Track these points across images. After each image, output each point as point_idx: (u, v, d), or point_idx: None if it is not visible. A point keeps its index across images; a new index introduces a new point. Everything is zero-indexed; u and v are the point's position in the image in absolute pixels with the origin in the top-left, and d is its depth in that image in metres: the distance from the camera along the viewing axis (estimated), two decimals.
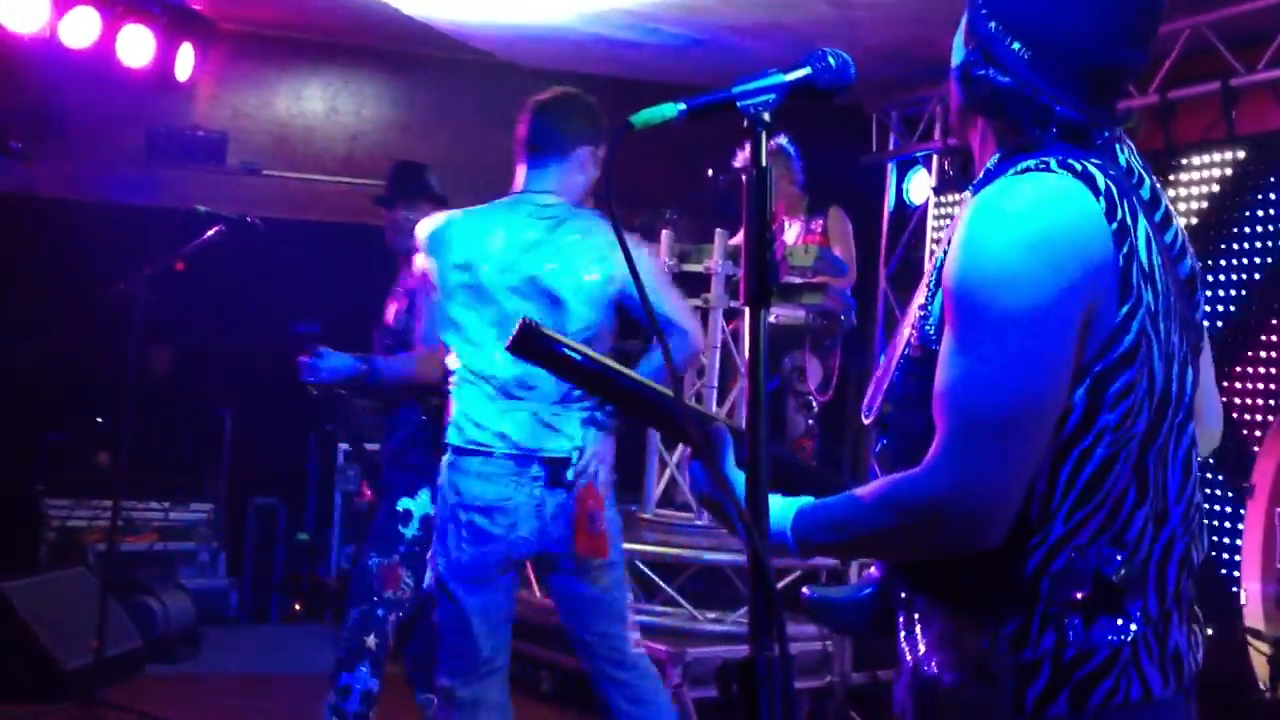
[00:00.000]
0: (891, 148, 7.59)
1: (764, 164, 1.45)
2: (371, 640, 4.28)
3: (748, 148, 1.49)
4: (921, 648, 1.63)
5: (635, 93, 7.71)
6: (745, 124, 1.50)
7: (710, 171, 5.77)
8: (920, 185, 7.48)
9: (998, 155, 1.63)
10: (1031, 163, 1.56)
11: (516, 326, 1.68)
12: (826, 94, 1.54)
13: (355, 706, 4.27)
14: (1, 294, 6.85)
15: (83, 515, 6.65)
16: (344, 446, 7.57)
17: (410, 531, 4.33)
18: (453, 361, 3.51)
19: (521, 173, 3.59)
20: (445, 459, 3.50)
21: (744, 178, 1.44)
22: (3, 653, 5.28)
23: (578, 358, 1.67)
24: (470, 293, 3.46)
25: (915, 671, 1.63)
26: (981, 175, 1.64)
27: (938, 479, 1.48)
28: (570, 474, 3.40)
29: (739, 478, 1.59)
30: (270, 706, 5.49)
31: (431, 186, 4.73)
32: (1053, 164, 1.54)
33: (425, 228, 3.62)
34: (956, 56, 1.67)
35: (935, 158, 7.21)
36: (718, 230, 5.50)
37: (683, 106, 1.50)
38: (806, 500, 1.60)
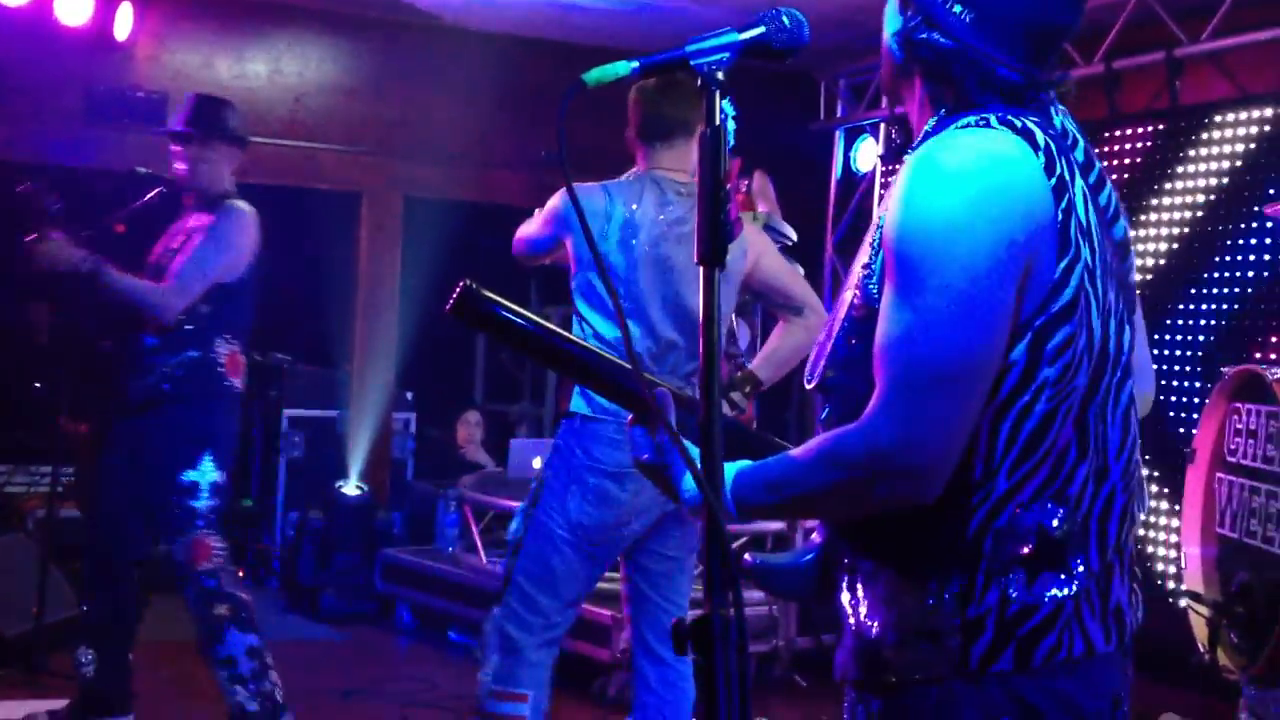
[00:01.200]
0: (839, 115, 7.61)
1: (717, 123, 1.44)
2: (223, 609, 4.24)
3: None
4: (864, 610, 1.63)
5: (583, 57, 7.69)
6: (699, 83, 1.49)
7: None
8: (867, 153, 7.51)
9: (935, 117, 1.64)
10: (971, 119, 1.57)
11: (457, 289, 1.62)
12: (780, 54, 1.53)
13: (248, 666, 4.23)
14: None
15: (21, 481, 6.57)
16: (289, 412, 7.52)
17: (203, 503, 4.27)
18: (580, 331, 3.51)
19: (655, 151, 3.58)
20: (568, 423, 3.50)
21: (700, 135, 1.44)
22: None
23: (521, 323, 1.63)
24: (609, 264, 3.46)
25: (857, 634, 1.64)
26: (920, 136, 1.65)
27: (878, 432, 1.48)
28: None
29: (688, 446, 1.59)
30: (208, 674, 5.45)
31: (230, 126, 4.52)
32: (992, 120, 1.56)
33: (576, 197, 3.52)
34: (892, 24, 1.68)
35: (883, 126, 7.23)
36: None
37: (635, 64, 1.49)
38: (744, 463, 1.59)
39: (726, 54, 1.50)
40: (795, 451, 1.57)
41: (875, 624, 1.61)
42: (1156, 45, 5.88)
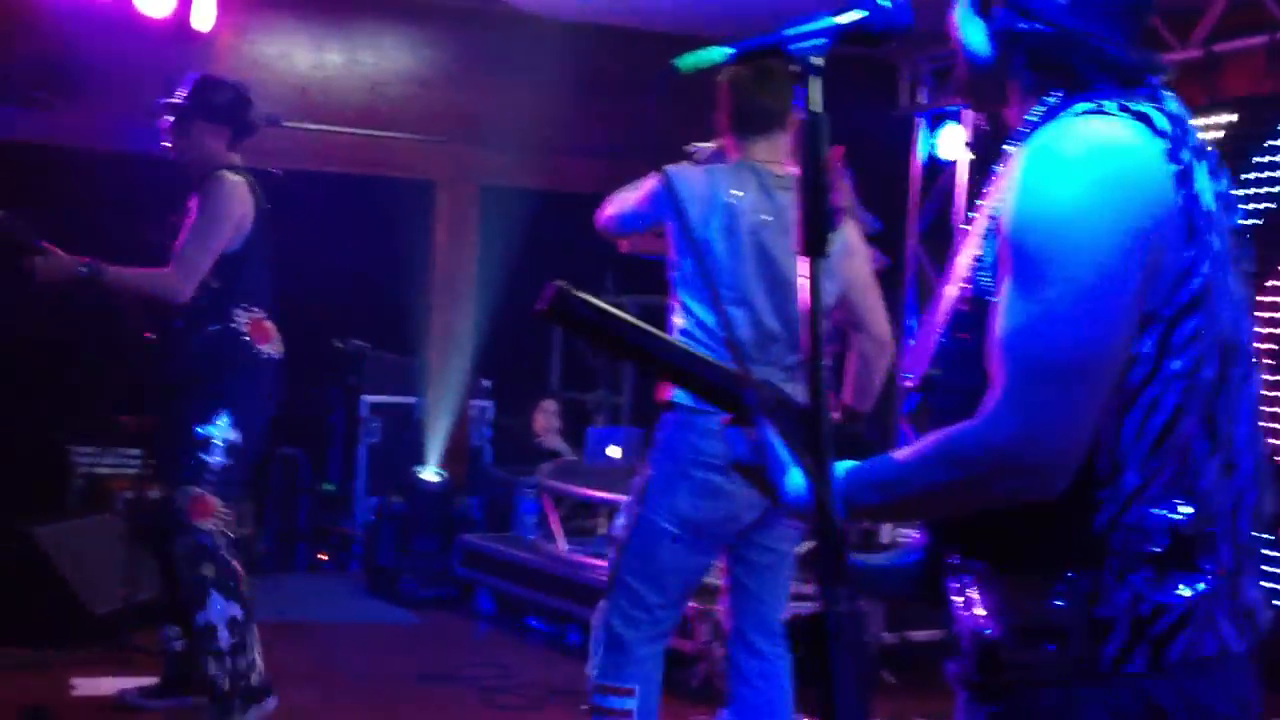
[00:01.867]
0: (922, 101, 7.50)
1: (817, 110, 1.41)
2: (209, 570, 4.20)
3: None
4: (978, 610, 1.59)
5: (658, 44, 7.67)
6: (796, 69, 1.46)
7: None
8: (951, 140, 7.38)
9: (1043, 106, 1.59)
10: (1088, 105, 1.53)
11: (549, 290, 1.56)
12: (879, 38, 1.49)
13: (226, 640, 4.19)
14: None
15: (109, 463, 6.69)
16: (368, 398, 7.60)
17: (214, 459, 4.25)
18: (682, 320, 3.47)
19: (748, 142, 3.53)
20: (670, 416, 3.46)
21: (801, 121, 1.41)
22: (35, 597, 5.34)
23: (617, 324, 1.57)
24: (711, 250, 3.41)
25: (973, 635, 1.59)
26: (1027, 127, 1.59)
27: (999, 428, 1.44)
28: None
29: (776, 443, 1.58)
30: (296, 654, 5.53)
31: (212, 104, 4.48)
32: (1109, 106, 1.52)
33: (677, 181, 3.45)
34: (972, 28, 1.63)
35: (970, 112, 7.11)
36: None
37: (731, 50, 1.47)
38: (850, 463, 1.56)
39: (824, 39, 1.47)
40: (906, 450, 1.53)
41: (993, 625, 1.57)
42: (1257, 29, 5.73)
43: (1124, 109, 1.51)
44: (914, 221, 7.46)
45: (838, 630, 1.32)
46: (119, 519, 6.04)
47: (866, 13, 1.50)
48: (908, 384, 1.65)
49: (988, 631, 1.57)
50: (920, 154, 7.52)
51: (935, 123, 7.49)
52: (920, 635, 5.38)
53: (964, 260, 1.62)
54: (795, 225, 3.49)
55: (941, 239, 7.27)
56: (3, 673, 4.88)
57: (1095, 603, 1.49)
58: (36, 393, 6.97)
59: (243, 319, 4.36)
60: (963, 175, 7.19)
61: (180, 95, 4.46)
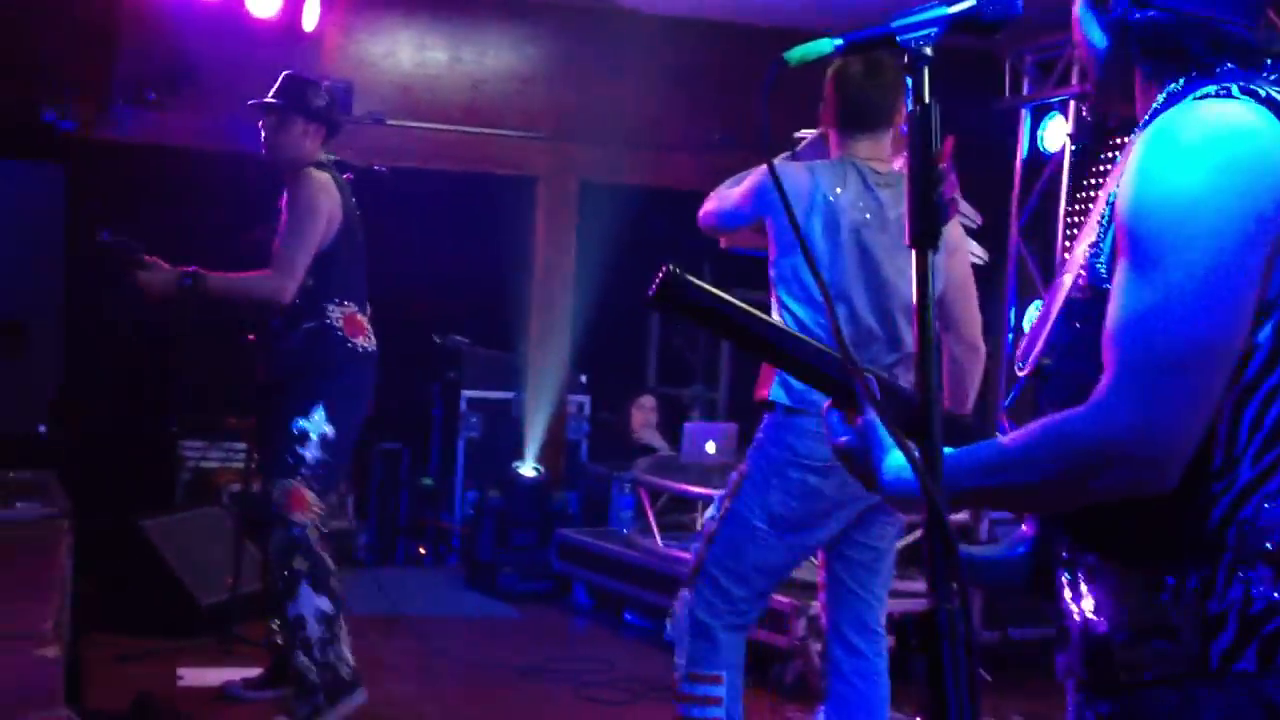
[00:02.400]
0: (1025, 92, 7.37)
1: (927, 101, 1.40)
2: (302, 564, 4.24)
3: None
4: (1089, 605, 1.56)
5: (757, 38, 7.65)
6: (905, 59, 1.44)
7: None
8: (1056, 132, 7.24)
9: (1164, 93, 1.56)
10: (1210, 88, 1.49)
11: (660, 273, 1.56)
12: (991, 27, 1.47)
13: (316, 632, 4.23)
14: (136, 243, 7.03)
15: (215, 457, 6.84)
16: (467, 393, 7.68)
17: (310, 453, 4.29)
18: (779, 318, 3.46)
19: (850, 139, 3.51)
20: (770, 416, 3.47)
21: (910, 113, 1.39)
22: (143, 588, 5.48)
23: (725, 308, 1.57)
24: (812, 247, 3.39)
25: (1084, 631, 1.56)
26: (1150, 114, 1.56)
27: (1113, 418, 1.40)
28: None
29: (879, 427, 1.55)
30: (395, 647, 5.61)
31: (312, 104, 4.49)
32: (1233, 89, 1.48)
33: (783, 176, 3.48)
34: (1091, 24, 1.61)
35: (1073, 103, 6.98)
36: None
37: (839, 41, 1.45)
38: (951, 449, 1.52)
39: (934, 29, 1.44)
40: (1013, 435, 1.50)
41: (1103, 621, 1.53)
42: None
43: (1247, 91, 1.48)
44: (1016, 215, 7.34)
45: (948, 628, 1.31)
46: (225, 512, 6.17)
47: (975, 1, 1.48)
48: (1021, 371, 1.62)
49: (1098, 627, 1.54)
50: (1023, 146, 7.39)
51: (1039, 115, 7.35)
52: (1020, 633, 5.30)
53: (1081, 248, 1.58)
54: (896, 223, 3.47)
55: (1044, 232, 7.15)
56: (113, 662, 4.99)
57: (1207, 598, 1.46)
58: (146, 388, 7.15)
59: (337, 314, 4.42)
60: (1066, 167, 7.06)
61: (274, 94, 4.50)
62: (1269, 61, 1.53)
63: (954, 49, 1.50)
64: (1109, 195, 1.54)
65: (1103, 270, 1.51)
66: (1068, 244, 6.81)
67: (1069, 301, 1.57)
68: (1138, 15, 1.55)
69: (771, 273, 3.50)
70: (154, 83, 6.58)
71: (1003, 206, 7.24)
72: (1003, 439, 1.51)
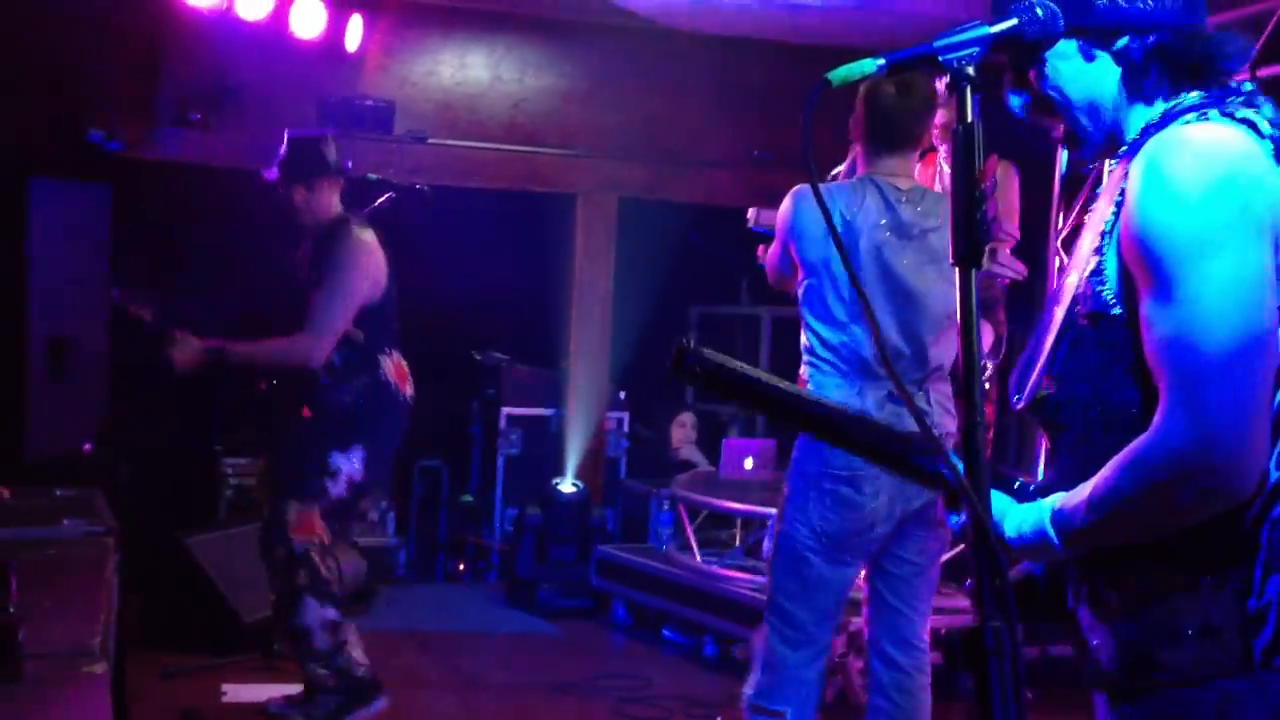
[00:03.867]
0: None
1: (970, 120, 1.40)
2: (303, 577, 4.30)
3: None
4: (1114, 612, 1.58)
5: (796, 56, 7.64)
6: (947, 80, 1.45)
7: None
8: None
9: (1152, 110, 1.64)
10: (1191, 116, 1.57)
11: (674, 350, 1.54)
12: (1032, 47, 1.48)
13: (324, 642, 4.29)
14: (180, 261, 7.10)
15: (258, 474, 6.88)
16: (507, 410, 7.70)
17: (335, 489, 4.34)
18: (805, 337, 3.53)
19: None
20: (802, 433, 3.46)
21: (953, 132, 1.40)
22: (186, 605, 5.52)
23: (742, 379, 1.55)
24: (830, 272, 3.43)
25: (1114, 637, 1.58)
26: (1139, 134, 1.63)
27: (1174, 436, 1.46)
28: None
29: (995, 496, 1.57)
30: (434, 663, 5.63)
31: (328, 161, 4.54)
32: (1212, 114, 1.56)
33: (793, 201, 3.52)
34: (1095, 66, 1.65)
35: (1060, 146, 6.93)
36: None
37: (881, 61, 1.46)
38: (1059, 496, 1.58)
39: (976, 49, 1.46)
40: (1101, 475, 1.54)
41: (1136, 624, 1.56)
42: None
43: (1227, 115, 1.56)
44: (1054, 230, 7.30)
45: (995, 644, 1.33)
46: None
47: (1016, 20, 1.50)
48: (1017, 405, 1.67)
49: (1131, 631, 1.56)
50: (1062, 161, 7.35)
51: None
52: (1058, 650, 5.26)
53: (1073, 278, 1.63)
54: (919, 239, 3.49)
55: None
56: (158, 679, 5.03)
57: (1246, 597, 1.49)
58: (189, 406, 7.21)
59: (388, 365, 4.47)
60: (1105, 182, 7.01)
61: (279, 163, 4.55)
62: (1232, 82, 1.62)
63: (991, 63, 1.51)
64: (1103, 223, 1.59)
65: (1109, 296, 1.57)
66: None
67: (1075, 331, 1.61)
68: (1151, 41, 1.61)
69: (798, 292, 3.53)
70: (199, 103, 6.65)
71: (1042, 218, 7.21)
72: (1094, 481, 1.55)
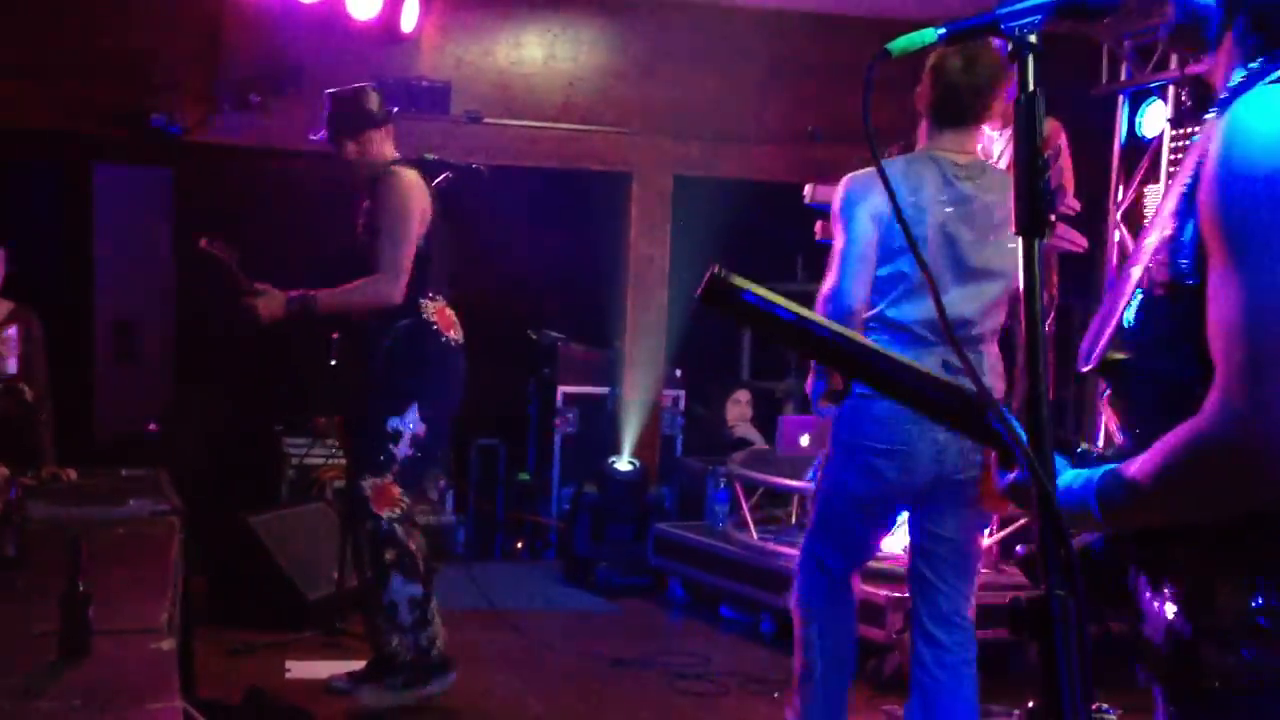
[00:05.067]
0: (1124, 78, 7.23)
1: (1032, 89, 1.38)
2: (390, 554, 4.37)
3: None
4: (1170, 609, 1.52)
5: (849, 29, 7.57)
6: (1011, 47, 1.43)
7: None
8: (1155, 117, 7.10)
9: (1242, 71, 1.53)
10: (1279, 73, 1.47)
11: (706, 275, 1.47)
12: (1096, 13, 1.45)
13: (408, 616, 4.37)
14: (241, 243, 7.17)
15: (319, 454, 6.95)
16: (563, 389, 7.73)
17: (401, 450, 4.40)
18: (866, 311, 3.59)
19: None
20: (848, 401, 3.61)
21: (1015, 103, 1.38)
22: (251, 583, 5.59)
23: (783, 313, 1.47)
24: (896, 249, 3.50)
25: (1169, 636, 1.53)
26: (1226, 94, 1.53)
27: (1227, 420, 1.38)
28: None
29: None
30: (494, 640, 5.66)
31: (371, 110, 4.59)
32: None
33: (851, 180, 3.58)
34: None
35: (1172, 88, 6.83)
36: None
37: (942, 30, 1.44)
38: (1108, 466, 1.51)
39: (1038, 16, 1.43)
40: (1150, 451, 1.47)
41: (1190, 626, 1.50)
42: None
43: None
44: (1114, 202, 7.21)
45: (1061, 614, 1.31)
46: (329, 508, 6.27)
47: None
48: (1084, 368, 1.60)
49: (1185, 632, 1.51)
50: (1121, 132, 7.25)
51: (1138, 100, 7.21)
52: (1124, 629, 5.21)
53: (1153, 239, 1.55)
54: (981, 213, 3.52)
55: (1143, 216, 7.01)
56: (223, 656, 5.11)
57: None
58: (251, 387, 7.29)
59: (430, 309, 4.51)
60: (1165, 153, 6.91)
61: (321, 126, 4.62)
62: None
63: (1051, 34, 1.49)
64: (1184, 186, 1.51)
65: (1185, 265, 1.49)
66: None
67: (1149, 297, 1.53)
68: None
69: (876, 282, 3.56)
70: (258, 86, 6.70)
71: (1102, 193, 7.12)
72: (1143, 456, 1.48)
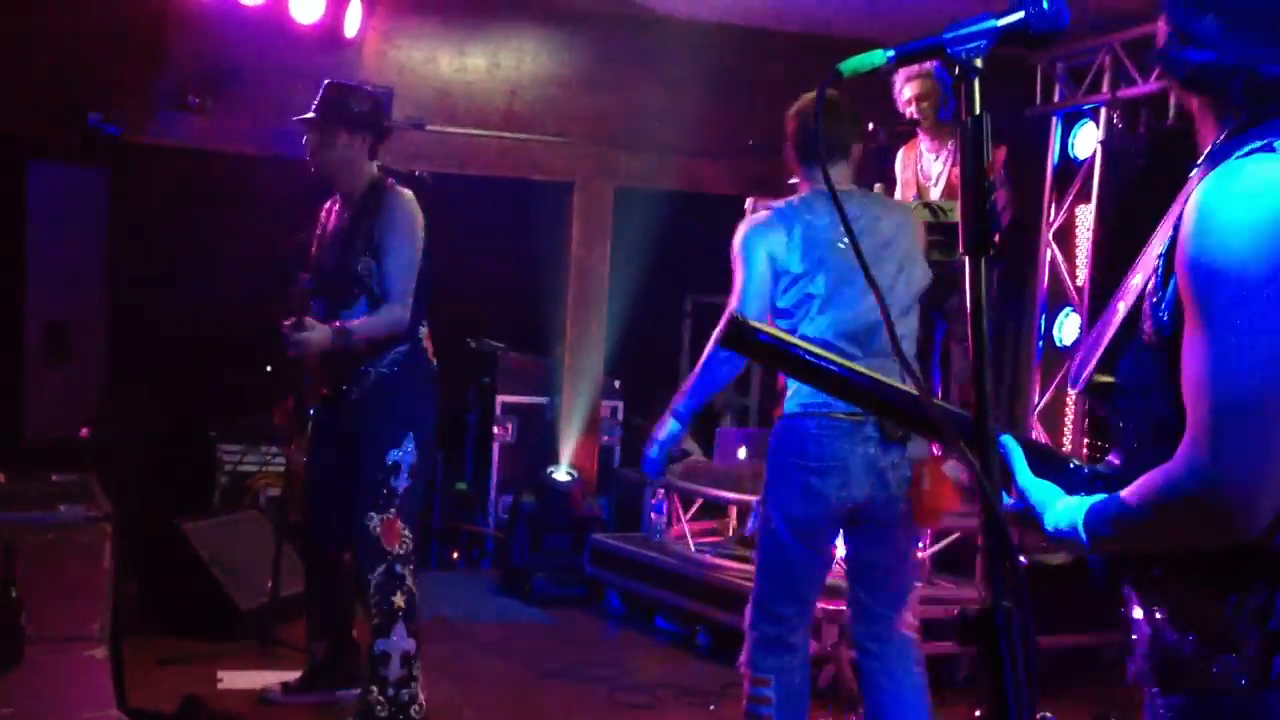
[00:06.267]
0: (1057, 100, 7.36)
1: (978, 112, 1.42)
2: (401, 600, 4.26)
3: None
4: (1158, 615, 1.63)
5: (793, 45, 7.62)
6: (956, 71, 1.47)
7: (870, 125, 5.67)
8: (1087, 139, 7.24)
9: (1224, 133, 1.61)
10: (1257, 144, 1.54)
11: (724, 320, 1.69)
12: (1039, 39, 1.50)
13: (396, 672, 4.26)
14: (178, 246, 7.09)
15: (252, 461, 6.89)
16: (502, 399, 7.71)
17: (401, 483, 4.31)
18: (780, 327, 3.67)
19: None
20: (780, 424, 3.72)
21: (962, 125, 1.42)
22: (184, 591, 5.52)
23: (802, 354, 1.64)
24: (819, 267, 3.68)
25: (1153, 639, 1.64)
26: (1206, 155, 1.62)
27: (1191, 472, 1.49)
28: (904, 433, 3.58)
29: (1040, 486, 1.65)
30: (430, 650, 5.62)
31: (382, 118, 4.57)
32: (1276, 144, 1.53)
33: (750, 221, 3.81)
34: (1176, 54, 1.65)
35: (1104, 110, 6.97)
36: (876, 185, 5.43)
37: (891, 53, 1.48)
38: (1097, 498, 1.62)
39: (984, 40, 1.48)
40: (1132, 488, 1.58)
41: (1172, 631, 1.61)
42: None
43: None
44: (1048, 221, 7.33)
45: (1006, 624, 1.36)
46: (263, 516, 6.22)
47: (1023, 13, 1.51)
48: (1074, 388, 1.70)
49: (1167, 636, 1.61)
50: (1054, 153, 7.38)
51: (1070, 122, 7.35)
52: (1075, 640, 5.32)
53: (1137, 281, 1.65)
54: (871, 230, 3.76)
55: (1073, 236, 7.16)
56: (154, 665, 5.03)
57: (1268, 617, 1.53)
58: (185, 392, 7.20)
59: (423, 333, 4.46)
60: (1097, 175, 7.04)
61: (314, 107, 4.45)
62: None
63: (987, 56, 1.53)
64: (1165, 239, 1.59)
65: (1165, 318, 1.58)
66: (1101, 256, 6.80)
67: (1139, 339, 1.63)
68: (1175, 55, 1.60)
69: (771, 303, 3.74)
70: (197, 87, 6.64)
71: (1035, 212, 7.24)
72: (1128, 489, 1.59)
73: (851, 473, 3.59)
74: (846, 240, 3.61)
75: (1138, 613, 1.66)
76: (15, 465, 4.79)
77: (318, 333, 4.24)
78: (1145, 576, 1.65)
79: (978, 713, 3.99)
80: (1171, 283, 1.57)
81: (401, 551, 4.29)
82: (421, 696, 4.35)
